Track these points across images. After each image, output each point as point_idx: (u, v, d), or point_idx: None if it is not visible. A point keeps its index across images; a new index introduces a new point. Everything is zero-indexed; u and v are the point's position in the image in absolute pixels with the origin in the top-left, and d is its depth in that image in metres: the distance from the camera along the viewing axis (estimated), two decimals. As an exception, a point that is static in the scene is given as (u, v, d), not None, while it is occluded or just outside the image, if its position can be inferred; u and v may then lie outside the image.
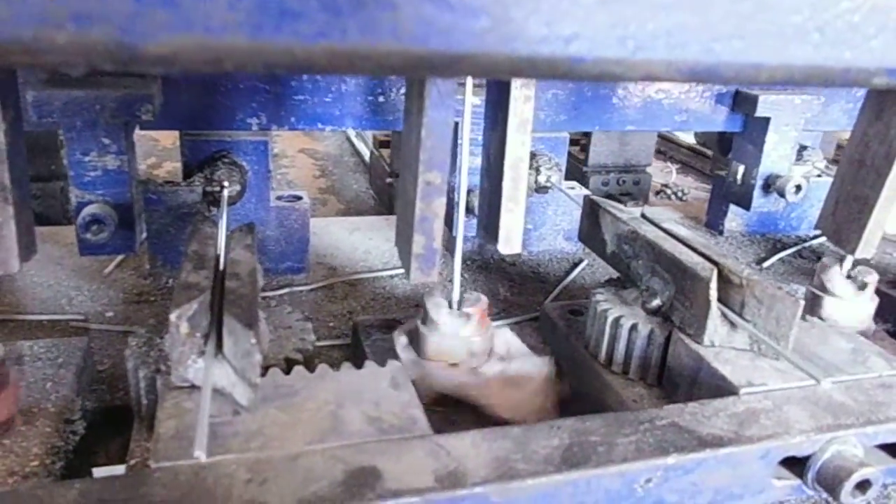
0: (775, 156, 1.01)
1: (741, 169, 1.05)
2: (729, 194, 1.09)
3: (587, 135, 1.49)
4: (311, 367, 0.55)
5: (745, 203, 1.05)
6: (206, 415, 0.42)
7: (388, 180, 1.50)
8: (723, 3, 0.37)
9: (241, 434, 0.47)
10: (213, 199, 0.82)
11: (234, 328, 0.48)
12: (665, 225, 0.70)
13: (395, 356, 0.61)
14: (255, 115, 0.82)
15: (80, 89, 0.68)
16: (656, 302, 0.65)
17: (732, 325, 0.60)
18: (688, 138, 1.97)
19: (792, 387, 0.56)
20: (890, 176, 0.58)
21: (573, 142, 1.55)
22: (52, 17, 0.29)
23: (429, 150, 0.50)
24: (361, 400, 0.51)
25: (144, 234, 0.83)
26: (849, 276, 0.71)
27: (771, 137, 1.00)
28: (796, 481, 0.52)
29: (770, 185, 1.03)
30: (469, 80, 0.56)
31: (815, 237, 1.14)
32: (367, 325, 0.71)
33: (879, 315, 0.74)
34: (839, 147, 1.47)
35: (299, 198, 0.92)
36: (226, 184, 0.81)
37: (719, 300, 0.60)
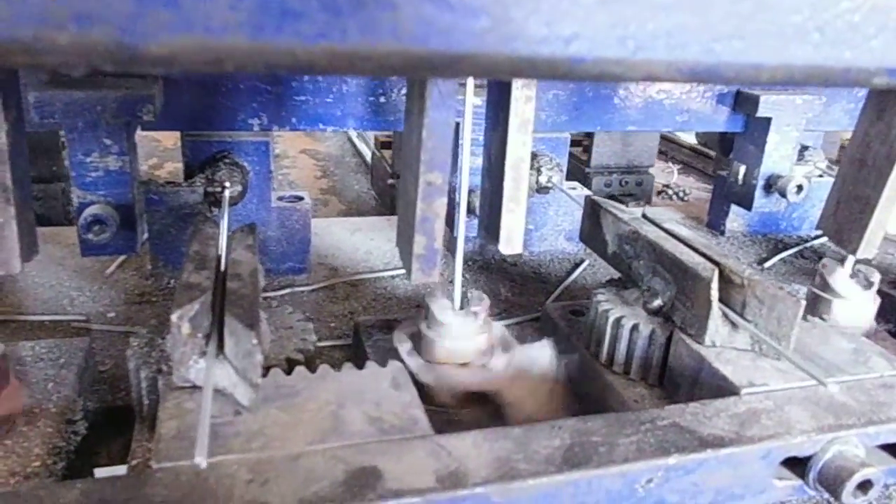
0: (777, 156, 1.01)
1: (742, 169, 1.05)
2: (730, 194, 1.09)
3: (590, 136, 1.49)
4: (312, 368, 0.55)
5: (747, 203, 1.05)
6: (207, 418, 0.42)
7: (390, 181, 1.50)
8: (723, 4, 0.37)
9: (243, 434, 0.47)
10: (214, 200, 0.82)
11: (235, 328, 0.48)
12: (666, 225, 0.70)
13: (396, 356, 0.61)
14: (257, 116, 0.83)
15: (82, 90, 0.68)
16: (657, 302, 0.65)
17: (734, 325, 0.60)
18: (689, 138, 1.97)
19: (793, 387, 0.56)
20: (891, 176, 0.58)
21: (576, 143, 1.55)
22: (53, 17, 0.29)
23: (430, 151, 0.50)
24: (362, 400, 0.51)
25: (146, 235, 0.83)
26: (850, 277, 0.71)
27: (772, 137, 1.00)
28: (798, 482, 0.52)
29: (771, 185, 1.03)
30: (470, 81, 0.56)
31: (817, 237, 1.14)
32: (369, 326, 0.71)
33: (881, 315, 0.74)
34: (843, 148, 1.47)
35: (301, 198, 0.92)
36: (227, 184, 0.81)
37: (721, 300, 0.60)
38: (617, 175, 1.49)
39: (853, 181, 0.62)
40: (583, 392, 0.67)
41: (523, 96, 0.56)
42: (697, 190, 1.69)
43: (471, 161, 0.60)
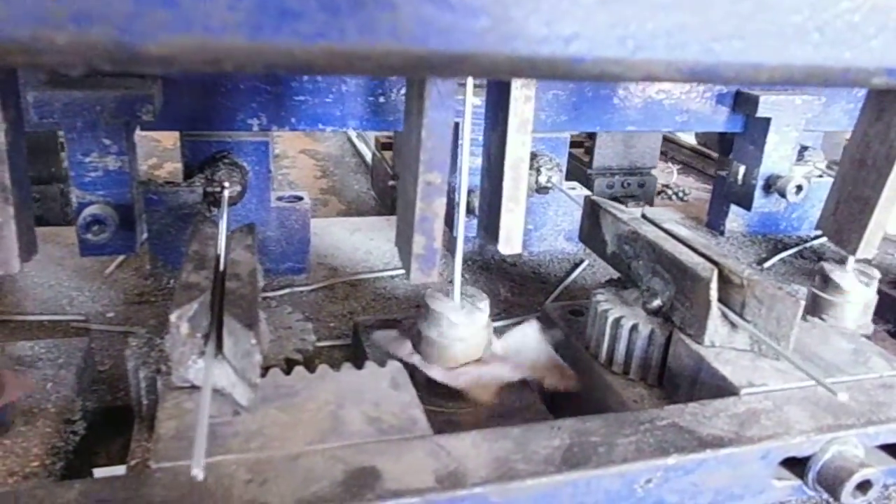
0: (776, 156, 1.01)
1: (742, 169, 1.05)
2: (730, 195, 1.09)
3: (592, 137, 1.49)
4: (311, 368, 0.55)
5: (746, 203, 1.05)
6: (204, 427, 0.40)
7: (391, 183, 1.50)
8: (723, 3, 0.37)
9: (242, 434, 0.47)
10: (213, 200, 0.82)
11: (234, 328, 0.48)
12: (666, 225, 0.70)
13: (396, 357, 0.61)
14: (256, 116, 0.82)
15: (81, 90, 0.68)
16: (657, 302, 0.65)
17: (733, 325, 0.60)
18: (689, 139, 1.97)
19: (792, 387, 0.56)
20: (891, 176, 0.58)
21: (577, 144, 1.55)
22: (52, 17, 0.29)
23: (429, 151, 0.50)
24: (362, 400, 0.51)
25: (145, 235, 0.83)
26: (850, 277, 0.71)
27: (772, 138, 1.00)
28: (797, 482, 0.52)
29: (771, 185, 1.03)
30: (469, 81, 0.56)
31: (816, 237, 1.14)
32: (368, 326, 0.71)
33: (880, 315, 0.74)
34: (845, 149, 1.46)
35: (300, 198, 0.92)
36: (226, 184, 0.81)
37: (720, 300, 0.60)
38: (619, 177, 1.49)
39: (853, 181, 0.62)
40: (582, 392, 0.67)
41: (522, 96, 0.56)
42: (697, 190, 1.69)
43: (470, 161, 0.60)
